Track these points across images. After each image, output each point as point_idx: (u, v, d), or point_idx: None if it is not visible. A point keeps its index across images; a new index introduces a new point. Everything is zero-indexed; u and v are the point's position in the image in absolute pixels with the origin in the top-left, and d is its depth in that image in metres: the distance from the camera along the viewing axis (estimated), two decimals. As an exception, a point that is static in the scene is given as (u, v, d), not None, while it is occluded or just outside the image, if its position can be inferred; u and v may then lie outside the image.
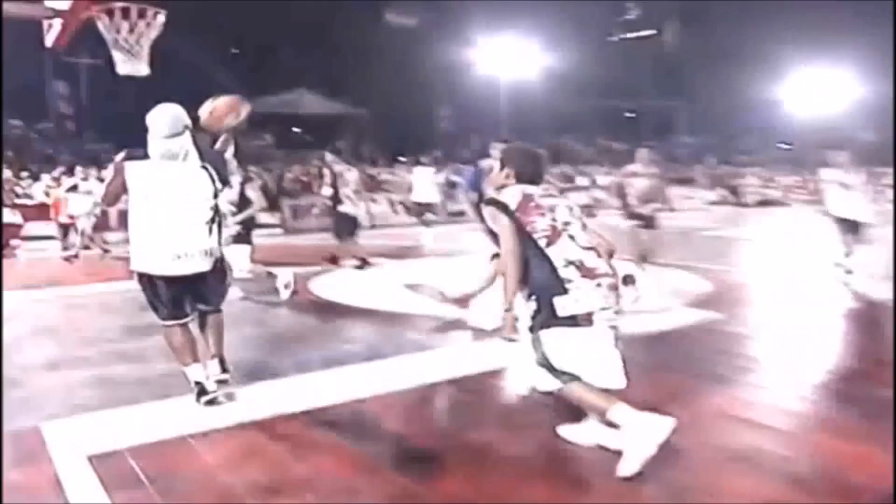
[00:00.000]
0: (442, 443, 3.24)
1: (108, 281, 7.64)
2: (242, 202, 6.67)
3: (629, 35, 37.48)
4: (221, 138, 4.06)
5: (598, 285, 2.84)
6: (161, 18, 5.85)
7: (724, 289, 7.32)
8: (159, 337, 3.83)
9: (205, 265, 3.57)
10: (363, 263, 9.01)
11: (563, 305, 2.80)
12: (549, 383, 2.90)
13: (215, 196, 3.59)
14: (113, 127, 24.71)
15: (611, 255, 3.04)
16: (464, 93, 31.22)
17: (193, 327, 3.79)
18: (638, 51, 36.40)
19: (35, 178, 15.93)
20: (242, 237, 6.63)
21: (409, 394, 3.93)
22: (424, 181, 13.00)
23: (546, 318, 2.82)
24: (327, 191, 9.30)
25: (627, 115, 37.69)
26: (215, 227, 3.60)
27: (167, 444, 3.20)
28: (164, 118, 3.47)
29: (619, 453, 2.81)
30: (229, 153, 4.05)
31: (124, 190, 3.52)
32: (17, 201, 12.49)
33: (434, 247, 11.37)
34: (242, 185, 6.72)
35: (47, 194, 12.95)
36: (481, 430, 3.35)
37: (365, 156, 26.22)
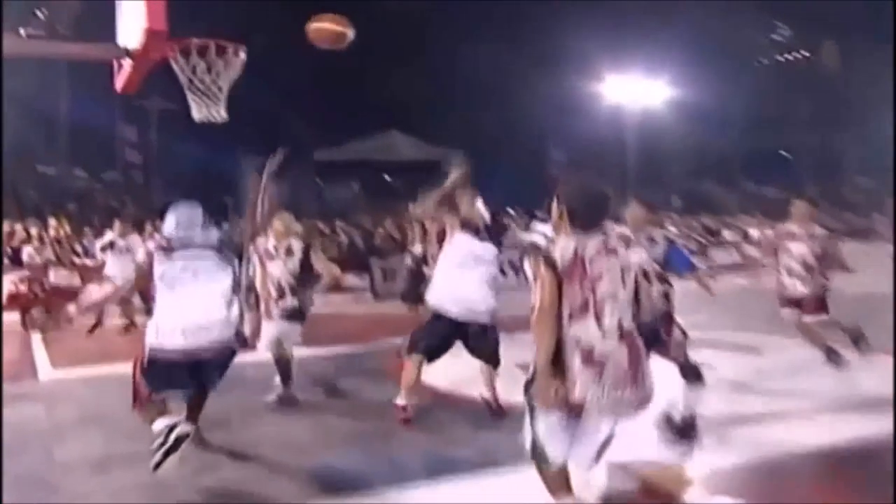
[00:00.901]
0: None
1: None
2: (305, 271, 6.39)
3: (779, 58, 36.43)
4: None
5: (599, 378, 2.99)
6: (242, 56, 5.94)
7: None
8: (221, 433, 4.00)
9: (222, 336, 4.26)
10: None
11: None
12: (528, 444, 3.23)
13: (235, 279, 4.37)
14: (183, 177, 26.06)
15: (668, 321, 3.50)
16: (582, 133, 30.98)
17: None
18: (791, 76, 35.25)
19: (98, 233, 16.77)
20: (296, 313, 6.36)
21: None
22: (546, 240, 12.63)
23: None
24: (417, 249, 9.18)
25: (782, 153, 36.27)
26: (235, 303, 4.33)
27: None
28: (177, 218, 4.40)
29: None
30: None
31: (151, 279, 4.32)
32: (77, 261, 12.98)
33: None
34: (305, 251, 6.43)
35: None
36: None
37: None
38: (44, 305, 11.25)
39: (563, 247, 3.08)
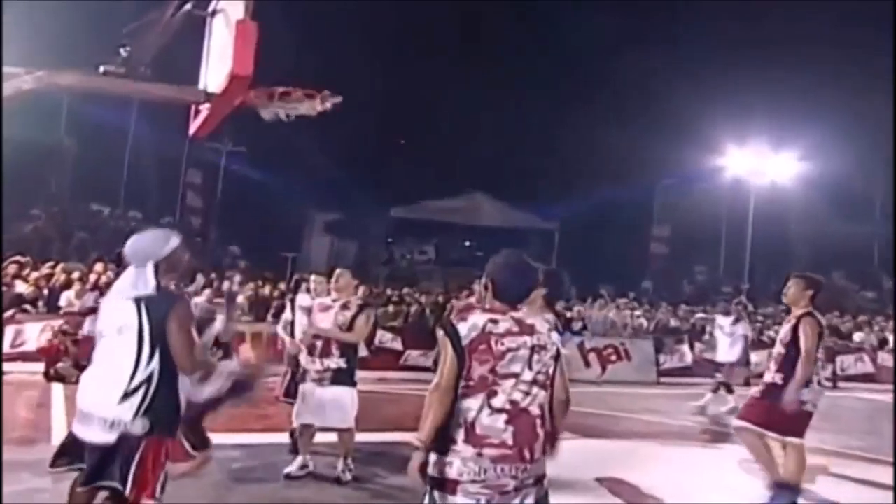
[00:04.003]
0: None
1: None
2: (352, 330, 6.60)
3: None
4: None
5: (479, 455, 3.19)
6: (328, 105, 6.33)
7: None
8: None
9: (104, 437, 3.75)
10: None
11: (433, 462, 3.26)
12: None
13: (138, 359, 3.77)
14: (244, 226, 26.95)
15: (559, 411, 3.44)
16: (693, 209, 30.69)
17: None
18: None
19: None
20: (344, 375, 6.47)
21: None
22: (722, 333, 12.44)
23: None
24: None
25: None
26: (136, 397, 3.74)
27: None
28: (131, 246, 3.95)
29: None
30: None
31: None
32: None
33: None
34: (359, 310, 6.62)
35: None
36: None
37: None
38: (73, 358, 11.45)
39: (473, 324, 3.30)
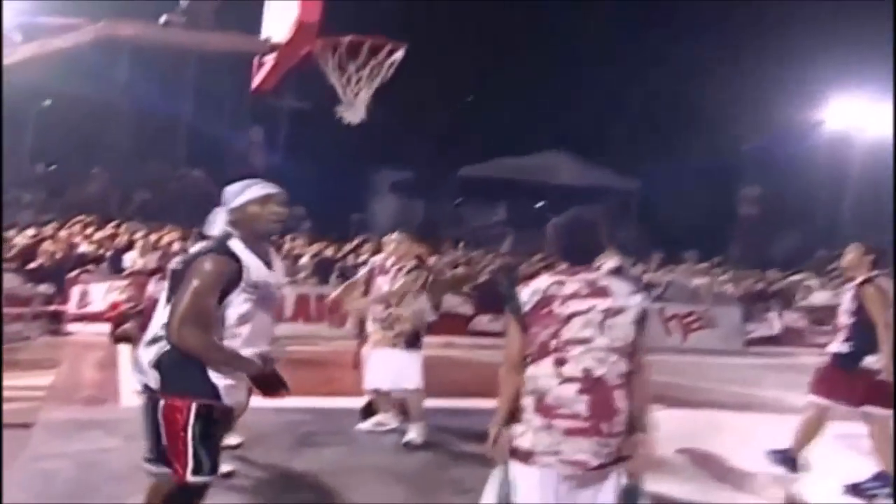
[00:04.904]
0: None
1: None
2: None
3: None
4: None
5: (550, 426, 3.13)
6: (398, 56, 6.32)
7: None
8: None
9: (134, 379, 3.60)
10: None
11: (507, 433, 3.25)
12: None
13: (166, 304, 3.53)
14: (308, 186, 27.19)
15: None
16: (788, 166, 29.85)
17: None
18: None
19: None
20: (413, 338, 6.72)
21: None
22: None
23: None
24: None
25: None
26: (157, 345, 3.47)
27: None
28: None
29: None
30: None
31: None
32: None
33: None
34: (411, 270, 6.79)
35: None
36: None
37: (626, 245, 25.93)
38: (138, 319, 11.58)
39: (535, 289, 3.26)
